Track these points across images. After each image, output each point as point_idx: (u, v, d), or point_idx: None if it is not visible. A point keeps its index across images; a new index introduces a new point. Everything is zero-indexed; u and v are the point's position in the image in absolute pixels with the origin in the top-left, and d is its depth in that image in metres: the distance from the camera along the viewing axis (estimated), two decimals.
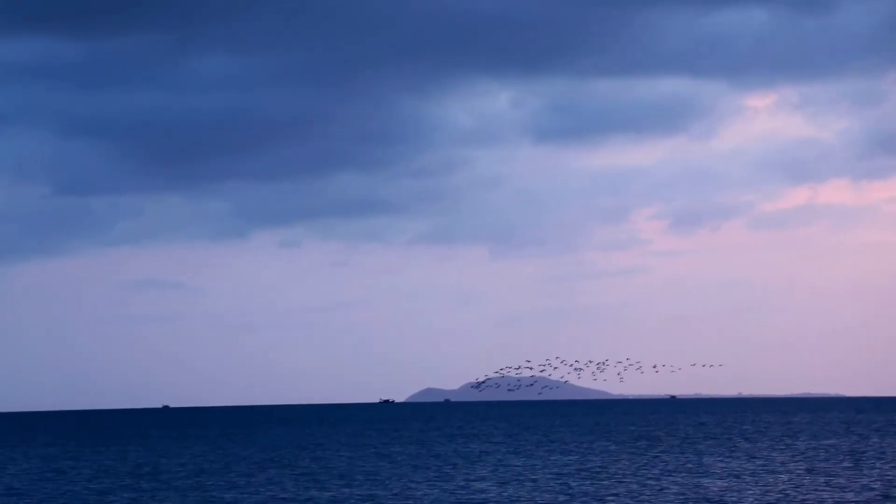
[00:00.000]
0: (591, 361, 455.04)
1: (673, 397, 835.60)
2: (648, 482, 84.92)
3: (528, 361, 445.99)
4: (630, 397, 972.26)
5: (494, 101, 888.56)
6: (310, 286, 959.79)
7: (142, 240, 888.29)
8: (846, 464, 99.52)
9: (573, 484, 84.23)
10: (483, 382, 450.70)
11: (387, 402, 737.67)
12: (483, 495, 77.95)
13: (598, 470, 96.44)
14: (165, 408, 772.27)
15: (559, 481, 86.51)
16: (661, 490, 79.33)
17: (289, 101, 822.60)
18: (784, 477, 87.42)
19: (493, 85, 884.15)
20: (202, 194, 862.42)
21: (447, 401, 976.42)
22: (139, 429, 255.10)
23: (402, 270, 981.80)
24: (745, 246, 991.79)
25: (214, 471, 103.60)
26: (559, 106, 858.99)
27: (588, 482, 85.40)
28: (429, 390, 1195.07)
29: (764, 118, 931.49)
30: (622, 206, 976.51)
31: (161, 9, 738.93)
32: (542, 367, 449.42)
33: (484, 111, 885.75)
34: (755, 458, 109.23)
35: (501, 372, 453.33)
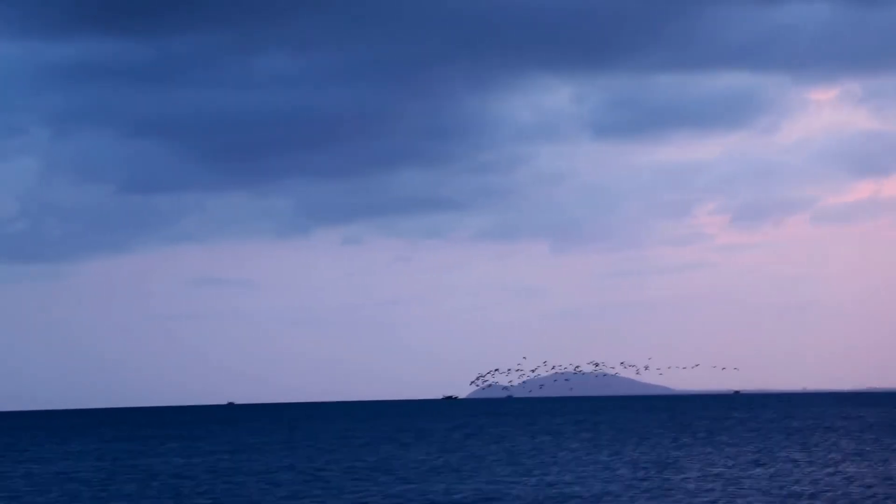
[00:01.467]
0: (574, 366, 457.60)
1: (737, 392, 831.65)
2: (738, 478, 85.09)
3: (522, 361, 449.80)
4: (693, 392, 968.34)
5: (556, 96, 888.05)
6: (372, 283, 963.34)
7: (205, 237, 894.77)
8: None
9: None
10: (483, 379, 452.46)
11: (450, 398, 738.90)
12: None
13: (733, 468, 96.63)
14: (230, 404, 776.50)
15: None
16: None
17: (352, 98, 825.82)
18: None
19: (554, 80, 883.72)
20: (265, 191, 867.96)
21: (510, 397, 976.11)
22: (232, 424, 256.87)
23: (464, 267, 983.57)
24: (809, 240, 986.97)
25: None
26: (621, 101, 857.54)
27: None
28: (490, 387, 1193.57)
29: (827, 112, 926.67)
30: (685, 201, 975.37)
31: (226, 7, 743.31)
32: (531, 368, 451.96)
33: (546, 107, 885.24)
34: None
35: (490, 374, 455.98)
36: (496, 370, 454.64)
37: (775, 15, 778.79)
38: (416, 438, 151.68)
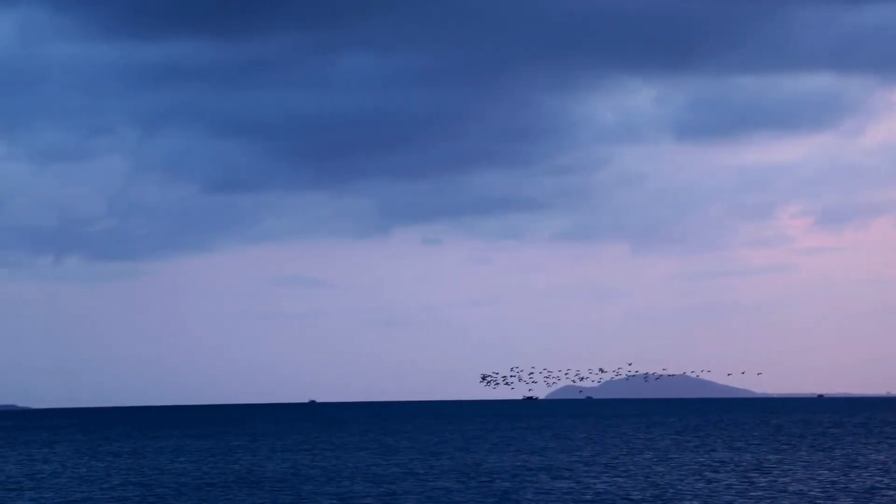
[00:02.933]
0: (559, 371, 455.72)
1: (821, 396, 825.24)
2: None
3: (515, 368, 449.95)
4: (774, 396, 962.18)
5: (638, 97, 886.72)
6: (451, 283, 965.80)
7: (286, 236, 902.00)
8: None
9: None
10: (492, 379, 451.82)
11: (530, 398, 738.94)
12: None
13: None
14: (312, 402, 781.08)
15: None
16: None
17: (433, 100, 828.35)
18: None
19: (636, 82, 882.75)
20: (346, 192, 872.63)
21: (588, 398, 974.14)
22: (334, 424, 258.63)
23: (542, 267, 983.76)
24: (894, 243, 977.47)
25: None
26: (703, 102, 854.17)
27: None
28: (568, 387, 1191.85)
29: None
30: (767, 203, 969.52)
31: (309, 9, 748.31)
32: (516, 374, 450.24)
33: (627, 108, 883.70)
34: None
35: (512, 372, 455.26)
36: (516, 367, 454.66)
37: (861, 16, 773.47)
38: (556, 438, 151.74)
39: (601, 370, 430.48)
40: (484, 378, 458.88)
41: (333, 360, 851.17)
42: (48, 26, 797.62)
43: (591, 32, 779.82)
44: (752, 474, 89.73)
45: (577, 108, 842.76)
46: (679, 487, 79.82)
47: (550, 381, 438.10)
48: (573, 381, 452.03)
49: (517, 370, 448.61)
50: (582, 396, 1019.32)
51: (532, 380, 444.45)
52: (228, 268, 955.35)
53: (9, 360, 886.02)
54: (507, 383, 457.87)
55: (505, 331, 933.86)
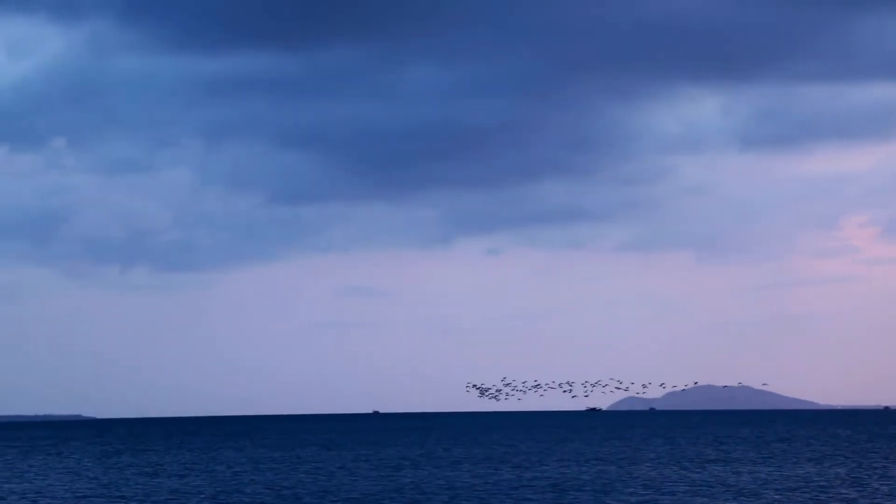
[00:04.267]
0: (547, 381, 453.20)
1: (887, 408, 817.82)
2: None
3: (504, 378, 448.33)
4: (839, 407, 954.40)
5: (702, 107, 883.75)
6: (513, 294, 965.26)
7: (350, 247, 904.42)
8: None
9: None
10: (488, 389, 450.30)
11: (593, 409, 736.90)
12: None
13: None
14: (375, 413, 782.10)
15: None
16: None
17: (496, 110, 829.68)
18: None
19: (700, 91, 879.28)
20: (409, 202, 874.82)
21: (652, 409, 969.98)
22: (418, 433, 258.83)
23: (605, 278, 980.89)
24: None
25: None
26: (768, 112, 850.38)
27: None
28: (630, 398, 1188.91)
29: None
30: (832, 214, 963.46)
31: (374, 21, 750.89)
32: (509, 384, 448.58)
33: (691, 118, 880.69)
34: None
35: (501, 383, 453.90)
36: (505, 378, 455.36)
37: None
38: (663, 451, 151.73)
39: (615, 381, 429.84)
40: (476, 387, 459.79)
41: (396, 370, 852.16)
42: (116, 40, 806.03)
43: (655, 42, 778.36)
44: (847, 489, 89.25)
45: (641, 118, 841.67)
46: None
47: (541, 392, 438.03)
48: (565, 392, 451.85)
49: (505, 380, 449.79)
50: (646, 408, 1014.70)
51: (520, 391, 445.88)
52: (292, 278, 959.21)
53: (76, 370, 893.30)
54: (495, 396, 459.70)
55: (568, 342, 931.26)
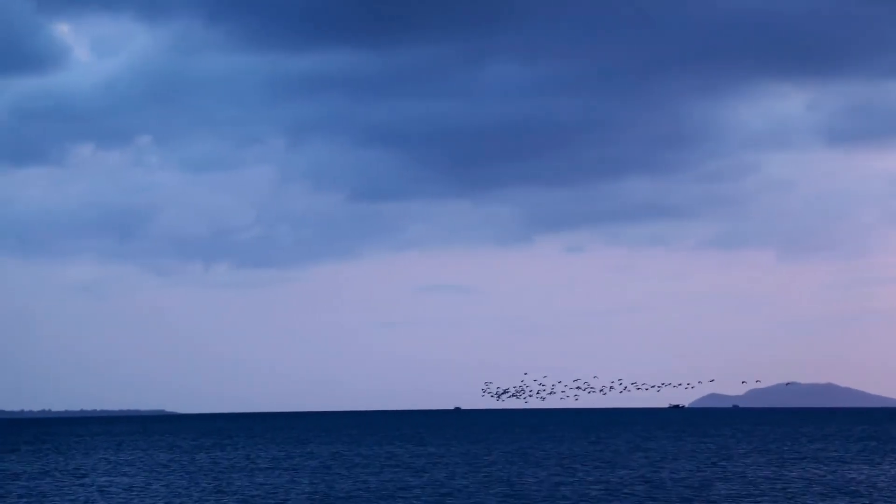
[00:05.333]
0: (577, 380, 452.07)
1: None
2: None
3: (525, 374, 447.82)
4: None
5: (788, 103, 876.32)
6: (594, 291, 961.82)
7: (430, 244, 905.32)
8: None
9: None
10: (505, 392, 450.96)
11: (676, 406, 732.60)
12: None
13: None
14: (457, 409, 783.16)
15: None
16: None
17: (578, 107, 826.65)
18: None
19: (786, 87, 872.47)
20: (489, 199, 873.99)
21: (735, 406, 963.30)
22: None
23: (687, 275, 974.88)
24: None
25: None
26: (855, 107, 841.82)
27: None
28: (713, 395, 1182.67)
29: None
30: None
31: (455, 18, 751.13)
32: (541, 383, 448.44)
33: (776, 114, 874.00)
34: None
35: (490, 385, 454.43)
36: (523, 380, 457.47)
37: None
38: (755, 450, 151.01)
39: (620, 381, 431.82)
40: (489, 391, 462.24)
41: (477, 366, 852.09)
42: (202, 38, 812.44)
43: (740, 37, 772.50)
44: None
45: (724, 114, 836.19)
46: None
47: (545, 393, 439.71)
48: (577, 390, 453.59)
49: (521, 384, 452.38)
50: (729, 405, 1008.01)
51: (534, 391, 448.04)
52: (373, 275, 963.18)
53: (160, 366, 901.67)
54: (515, 395, 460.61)
55: (649, 339, 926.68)
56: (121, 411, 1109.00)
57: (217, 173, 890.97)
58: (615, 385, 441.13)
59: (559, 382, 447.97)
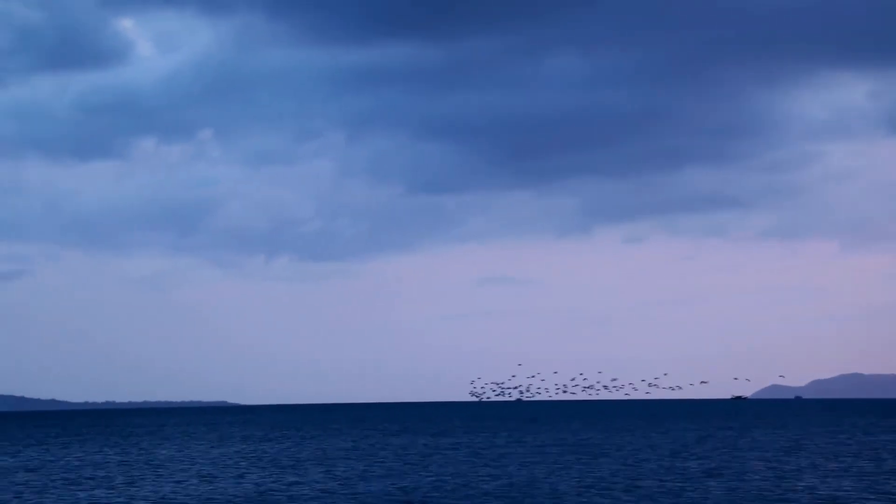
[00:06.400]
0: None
1: None
2: None
3: (514, 376, 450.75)
4: None
5: (850, 92, 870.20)
6: (654, 282, 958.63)
7: (490, 236, 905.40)
8: None
9: None
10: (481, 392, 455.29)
11: (739, 398, 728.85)
12: None
13: None
14: (518, 401, 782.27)
15: None
16: None
17: (638, 98, 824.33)
18: None
19: (848, 76, 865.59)
20: (549, 191, 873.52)
21: (798, 398, 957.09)
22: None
23: (749, 265, 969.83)
24: None
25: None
26: None
27: None
28: (774, 387, 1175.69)
29: None
30: None
31: (515, 10, 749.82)
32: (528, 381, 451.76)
33: (838, 103, 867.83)
34: None
35: (489, 384, 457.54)
36: (513, 377, 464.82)
37: None
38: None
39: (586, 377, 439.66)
40: (474, 394, 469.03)
41: (537, 357, 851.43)
42: (263, 33, 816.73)
43: (800, 26, 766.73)
44: None
45: (785, 103, 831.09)
46: None
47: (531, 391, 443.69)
48: (521, 394, 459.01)
49: (500, 384, 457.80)
50: (791, 396, 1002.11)
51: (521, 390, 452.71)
52: (433, 267, 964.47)
53: (222, 358, 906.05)
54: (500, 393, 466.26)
55: (709, 329, 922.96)
56: (183, 402, 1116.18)
57: (277, 167, 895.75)
58: (616, 384, 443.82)
59: (575, 379, 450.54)
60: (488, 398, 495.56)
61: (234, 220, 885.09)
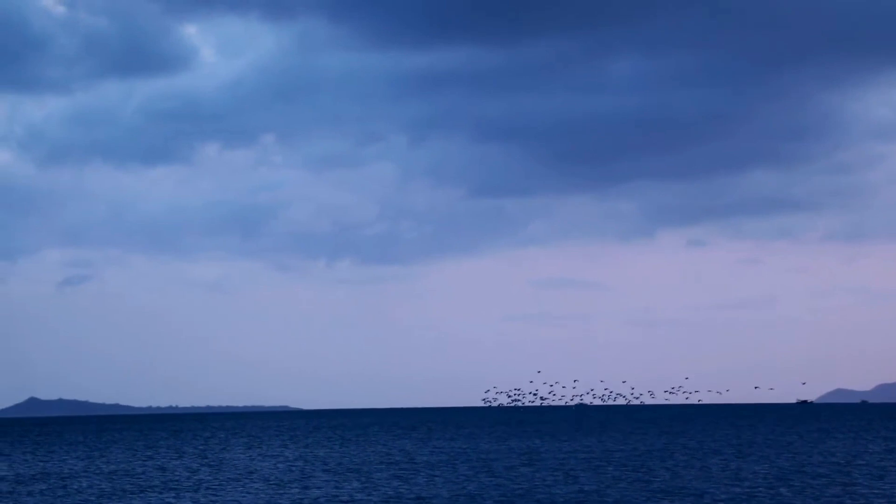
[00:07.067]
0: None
1: None
2: None
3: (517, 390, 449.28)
4: None
5: None
6: (718, 285, 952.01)
7: (552, 239, 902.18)
8: None
9: None
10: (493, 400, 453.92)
11: (804, 402, 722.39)
12: None
13: None
14: (581, 406, 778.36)
15: None
16: None
17: (700, 101, 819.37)
18: None
19: None
20: (610, 194, 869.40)
21: (864, 402, 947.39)
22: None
23: (813, 268, 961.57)
24: None
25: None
26: None
27: None
28: (839, 391, 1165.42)
29: None
30: None
31: (577, 12, 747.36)
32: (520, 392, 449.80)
33: None
34: None
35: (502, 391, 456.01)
36: (517, 389, 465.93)
37: None
38: None
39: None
40: (486, 399, 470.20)
41: (600, 362, 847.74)
42: (325, 37, 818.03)
43: (865, 27, 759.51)
44: None
45: (851, 105, 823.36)
46: None
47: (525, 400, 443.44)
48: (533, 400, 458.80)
49: (516, 391, 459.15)
50: (856, 401, 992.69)
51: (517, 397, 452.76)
52: (495, 271, 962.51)
53: (284, 362, 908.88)
54: (514, 401, 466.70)
55: (774, 332, 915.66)
56: (245, 407, 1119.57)
57: (339, 170, 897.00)
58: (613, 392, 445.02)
59: (597, 389, 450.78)
60: (500, 405, 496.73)
61: (297, 224, 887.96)
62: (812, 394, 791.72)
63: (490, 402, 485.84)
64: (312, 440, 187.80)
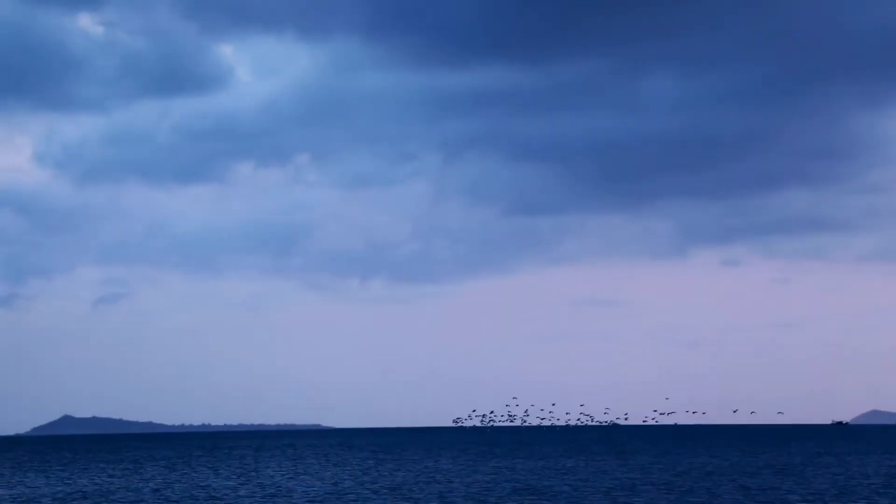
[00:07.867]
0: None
1: None
2: None
3: (508, 406, 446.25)
4: None
5: None
6: (751, 304, 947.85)
7: (585, 258, 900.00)
8: None
9: None
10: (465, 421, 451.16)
11: (840, 423, 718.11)
12: None
13: None
14: (614, 425, 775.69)
15: None
16: None
17: (736, 120, 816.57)
18: None
19: None
20: (644, 213, 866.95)
21: None
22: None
23: (848, 289, 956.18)
24: None
25: None
26: None
27: None
28: (874, 412, 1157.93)
29: None
30: None
31: (613, 32, 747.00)
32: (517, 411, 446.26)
33: None
34: None
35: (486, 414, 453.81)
36: (491, 412, 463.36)
37: None
38: None
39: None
40: (456, 420, 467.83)
41: (632, 380, 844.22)
42: (360, 57, 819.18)
43: None
44: None
45: (886, 124, 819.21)
46: None
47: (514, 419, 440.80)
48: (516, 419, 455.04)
49: (490, 414, 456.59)
50: (893, 422, 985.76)
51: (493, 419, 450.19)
52: (528, 289, 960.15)
53: (316, 381, 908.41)
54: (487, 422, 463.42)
55: (808, 352, 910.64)
56: (278, 426, 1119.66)
57: (373, 190, 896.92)
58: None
59: (590, 406, 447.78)
60: (473, 426, 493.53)
61: (330, 243, 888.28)
62: (847, 415, 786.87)
63: (459, 422, 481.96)
64: (350, 458, 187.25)
